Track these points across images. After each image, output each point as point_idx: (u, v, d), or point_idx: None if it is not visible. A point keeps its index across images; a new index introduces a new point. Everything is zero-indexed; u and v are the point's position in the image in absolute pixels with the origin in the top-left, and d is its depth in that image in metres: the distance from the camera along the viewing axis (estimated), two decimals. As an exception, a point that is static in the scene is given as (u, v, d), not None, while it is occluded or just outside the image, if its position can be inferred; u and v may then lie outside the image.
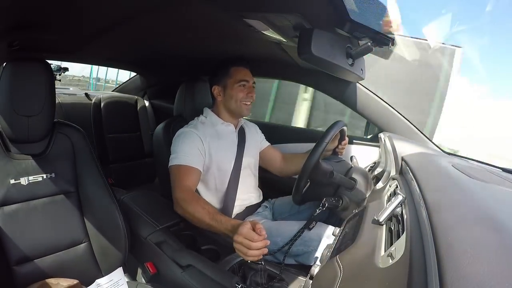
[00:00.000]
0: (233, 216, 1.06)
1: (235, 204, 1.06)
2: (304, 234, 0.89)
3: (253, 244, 0.67)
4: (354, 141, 1.28)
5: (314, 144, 0.87)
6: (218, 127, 1.09)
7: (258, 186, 1.20)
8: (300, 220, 1.01)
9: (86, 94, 1.96)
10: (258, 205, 1.16)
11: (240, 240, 0.69)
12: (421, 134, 1.15)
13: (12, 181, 0.77)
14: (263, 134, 1.28)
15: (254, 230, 0.69)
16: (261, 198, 1.19)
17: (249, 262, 0.70)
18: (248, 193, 1.12)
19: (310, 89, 3.44)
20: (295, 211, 1.12)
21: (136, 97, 1.99)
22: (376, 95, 1.19)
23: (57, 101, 1.65)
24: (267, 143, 1.27)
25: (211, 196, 1.06)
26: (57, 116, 0.86)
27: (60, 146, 0.85)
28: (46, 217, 0.81)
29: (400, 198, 0.53)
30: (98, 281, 0.76)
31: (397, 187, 0.67)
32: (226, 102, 1.09)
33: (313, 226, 0.90)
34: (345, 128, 1.00)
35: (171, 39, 1.08)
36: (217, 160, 1.04)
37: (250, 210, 1.12)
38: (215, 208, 0.91)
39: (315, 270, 0.57)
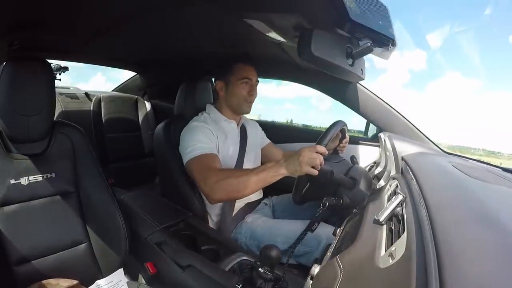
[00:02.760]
0: (233, 212, 1.06)
1: (236, 200, 1.06)
2: (308, 240, 0.89)
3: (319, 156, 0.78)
4: (354, 141, 1.28)
5: (314, 144, 0.88)
6: (222, 124, 1.09)
7: None
8: (300, 219, 1.01)
9: (86, 94, 1.96)
10: (257, 202, 1.16)
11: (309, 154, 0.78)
12: (421, 134, 1.15)
13: (12, 181, 0.77)
14: (263, 132, 1.28)
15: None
16: (261, 195, 1.19)
17: (260, 271, 0.68)
18: None
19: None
20: (295, 210, 1.13)
21: (136, 97, 1.99)
22: (376, 95, 1.19)
23: (56, 101, 1.65)
24: (268, 140, 1.28)
25: None
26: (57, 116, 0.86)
27: (60, 146, 0.85)
28: (46, 217, 0.81)
29: (400, 197, 0.53)
30: (98, 282, 0.75)
31: (397, 186, 0.67)
32: (228, 98, 1.08)
33: (316, 228, 0.90)
34: (345, 127, 1.00)
35: (171, 39, 1.08)
36: (221, 156, 1.04)
37: (250, 206, 1.12)
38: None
39: (315, 270, 0.57)
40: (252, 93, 1.07)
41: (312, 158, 0.79)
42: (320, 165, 0.80)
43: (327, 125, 0.94)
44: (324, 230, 0.90)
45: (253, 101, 1.09)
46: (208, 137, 0.99)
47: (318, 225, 0.89)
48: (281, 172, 0.83)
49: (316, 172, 0.80)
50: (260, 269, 0.66)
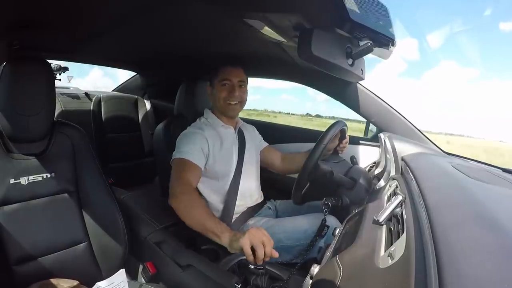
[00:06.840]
0: (234, 217, 1.06)
1: (237, 204, 1.06)
2: (311, 234, 0.90)
3: (266, 244, 0.63)
4: (354, 141, 1.28)
5: (314, 144, 0.88)
6: (219, 129, 1.09)
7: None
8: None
9: (86, 94, 1.96)
10: (259, 206, 1.16)
11: (253, 237, 0.64)
12: (421, 134, 1.15)
13: (12, 181, 0.77)
14: (260, 135, 1.29)
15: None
16: (262, 198, 1.19)
17: (251, 267, 0.68)
18: (249, 194, 1.12)
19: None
20: (299, 213, 1.12)
21: (136, 96, 1.99)
22: (376, 95, 1.19)
23: (57, 101, 1.65)
24: (265, 143, 1.28)
25: (213, 197, 1.06)
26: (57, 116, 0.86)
27: (60, 145, 0.86)
28: (46, 216, 0.81)
29: (400, 198, 0.53)
30: (98, 284, 0.75)
31: (397, 187, 0.68)
32: (214, 102, 1.10)
33: (326, 233, 0.90)
34: (345, 127, 1.00)
35: (171, 38, 1.08)
36: (219, 162, 1.04)
37: (252, 209, 1.12)
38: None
39: (314, 270, 0.57)
40: (233, 94, 1.05)
41: (256, 236, 0.67)
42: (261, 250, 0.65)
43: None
44: (329, 220, 0.91)
45: (237, 103, 1.08)
46: (200, 145, 1.00)
47: (328, 229, 0.89)
48: (223, 240, 0.73)
49: (247, 254, 0.66)
50: (250, 265, 0.66)
